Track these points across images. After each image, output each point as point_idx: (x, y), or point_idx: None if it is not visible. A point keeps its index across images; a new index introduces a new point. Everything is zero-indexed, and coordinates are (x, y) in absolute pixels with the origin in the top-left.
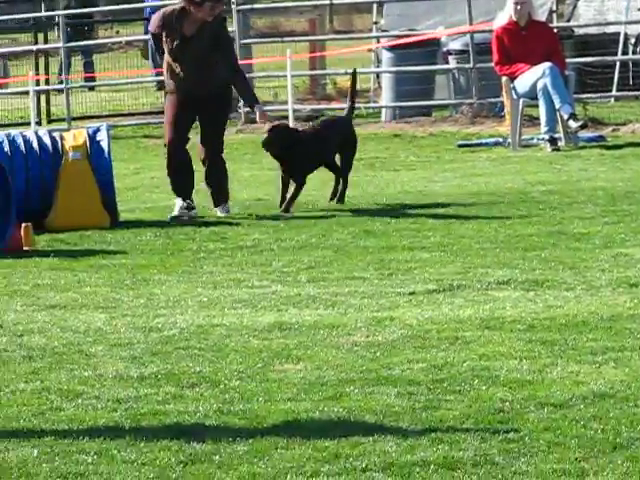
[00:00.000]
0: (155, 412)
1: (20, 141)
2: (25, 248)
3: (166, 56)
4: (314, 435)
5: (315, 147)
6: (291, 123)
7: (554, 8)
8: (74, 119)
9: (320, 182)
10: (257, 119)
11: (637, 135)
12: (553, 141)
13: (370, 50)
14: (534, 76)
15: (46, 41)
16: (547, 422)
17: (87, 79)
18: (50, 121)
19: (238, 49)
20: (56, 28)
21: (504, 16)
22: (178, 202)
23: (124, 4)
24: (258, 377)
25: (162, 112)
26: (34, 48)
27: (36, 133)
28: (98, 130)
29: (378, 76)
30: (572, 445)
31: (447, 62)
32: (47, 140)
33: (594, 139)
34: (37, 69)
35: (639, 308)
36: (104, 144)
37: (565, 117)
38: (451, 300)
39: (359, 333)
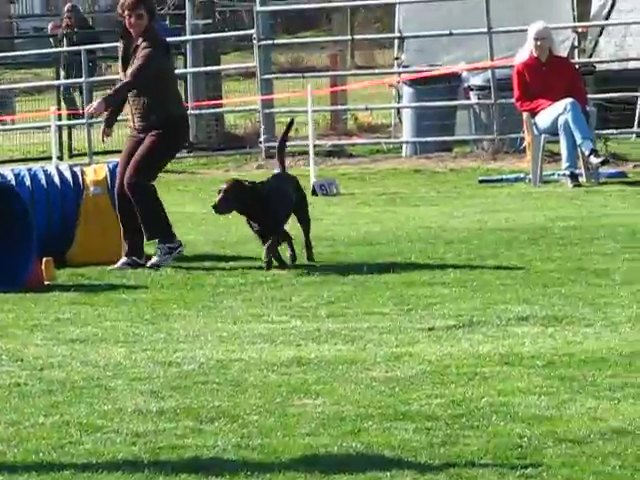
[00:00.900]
0: (174, 446)
1: (41, 175)
2: (46, 282)
3: None
4: (332, 470)
5: (278, 197)
6: (312, 159)
7: (575, 44)
8: (95, 154)
9: (338, 218)
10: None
11: None
12: (574, 177)
13: (391, 85)
14: (555, 112)
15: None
16: (565, 458)
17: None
18: (72, 156)
19: (259, 84)
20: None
21: (525, 52)
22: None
23: None
24: (277, 412)
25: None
26: (56, 83)
27: (57, 167)
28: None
29: (399, 111)
30: None
31: (468, 98)
32: (68, 175)
33: (615, 175)
34: (59, 104)
35: None
36: None
37: (586, 153)
38: (470, 336)
39: (378, 368)
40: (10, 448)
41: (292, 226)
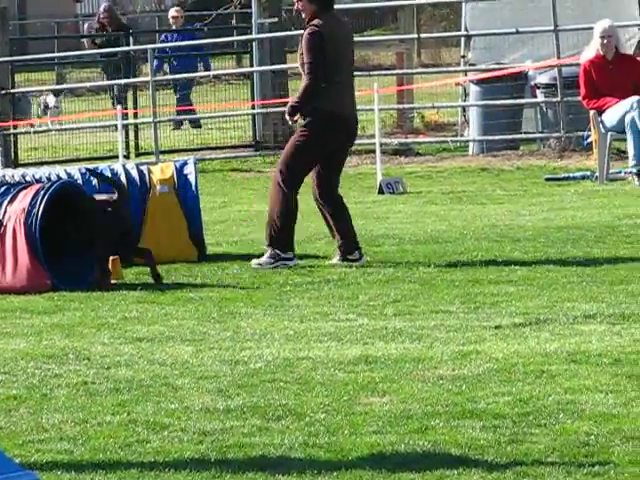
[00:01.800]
0: (241, 444)
1: (108, 174)
2: (113, 281)
3: None
4: (399, 468)
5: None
6: (378, 157)
7: None
8: (162, 152)
9: (405, 216)
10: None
11: None
12: None
13: (458, 84)
14: (622, 110)
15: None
16: (632, 456)
17: (179, 112)
18: (138, 154)
19: None
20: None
21: (591, 50)
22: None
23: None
24: (343, 410)
25: (250, 145)
26: (122, 82)
27: (124, 166)
28: (185, 163)
29: (464, 109)
30: None
31: (535, 96)
32: (135, 173)
33: None
34: (125, 102)
35: None
36: (191, 177)
37: None
38: (537, 334)
39: (445, 366)
40: (77, 446)
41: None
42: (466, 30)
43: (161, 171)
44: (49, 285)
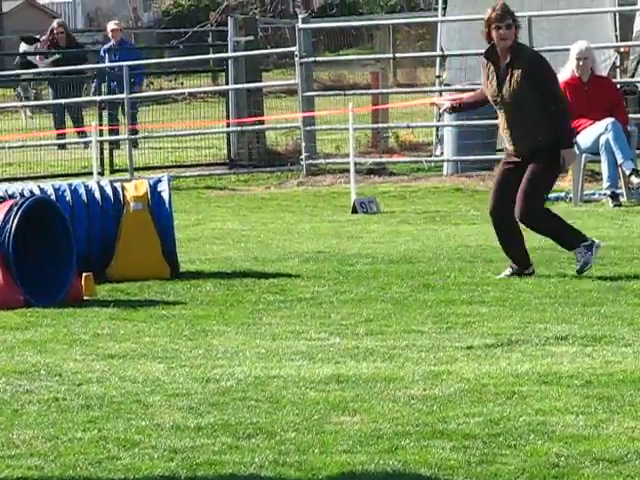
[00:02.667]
0: (211, 462)
1: (82, 191)
2: (85, 297)
3: None
4: None
5: None
6: (352, 176)
7: (617, 63)
8: (136, 170)
9: (378, 235)
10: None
11: None
12: (615, 197)
13: (433, 104)
14: (596, 131)
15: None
16: (602, 477)
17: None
18: (113, 171)
19: (300, 101)
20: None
21: (566, 71)
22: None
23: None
24: (314, 429)
25: (224, 163)
26: (98, 99)
27: (98, 183)
28: (159, 181)
29: (437, 129)
30: None
31: None
32: (109, 190)
33: None
34: (100, 119)
35: None
36: (165, 195)
37: (627, 173)
38: (509, 355)
39: (416, 386)
40: (48, 462)
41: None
42: (441, 50)
43: (135, 188)
44: (22, 301)
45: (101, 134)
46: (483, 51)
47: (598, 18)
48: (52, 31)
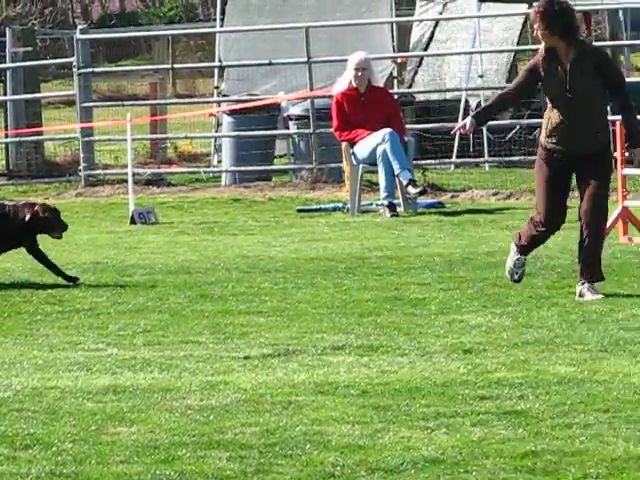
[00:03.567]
0: None
1: None
2: None
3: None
4: None
5: None
6: (130, 187)
7: (394, 74)
8: None
9: (157, 246)
10: None
11: (476, 202)
12: (392, 207)
13: (211, 114)
14: (374, 142)
15: None
16: None
17: None
18: None
19: (79, 112)
20: None
21: (343, 81)
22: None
23: None
24: (91, 440)
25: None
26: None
27: None
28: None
29: (216, 140)
30: None
31: (287, 127)
32: None
33: (433, 205)
34: None
35: (472, 374)
36: None
37: (404, 183)
38: (285, 365)
39: (193, 397)
40: None
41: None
42: (220, 61)
43: None
44: None
45: None
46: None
47: (375, 29)
48: None
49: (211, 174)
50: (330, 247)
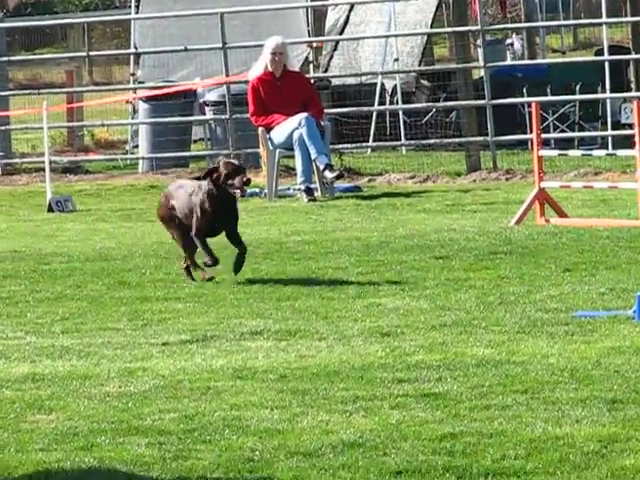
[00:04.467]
0: None
1: None
2: None
3: None
4: None
5: None
6: (48, 175)
7: (310, 59)
8: None
9: (74, 234)
10: None
11: (392, 185)
12: (309, 191)
13: (127, 101)
14: (290, 127)
15: None
16: (296, 471)
17: None
18: None
19: None
20: None
21: (259, 66)
22: None
23: None
24: (10, 428)
25: None
26: None
27: None
28: None
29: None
30: None
31: (203, 113)
32: None
33: (350, 189)
34: None
35: (390, 357)
36: None
37: (321, 167)
38: (204, 350)
39: (111, 383)
40: None
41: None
42: (135, 48)
43: None
44: None
45: None
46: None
47: (291, 13)
48: None
49: (128, 161)
50: (247, 232)
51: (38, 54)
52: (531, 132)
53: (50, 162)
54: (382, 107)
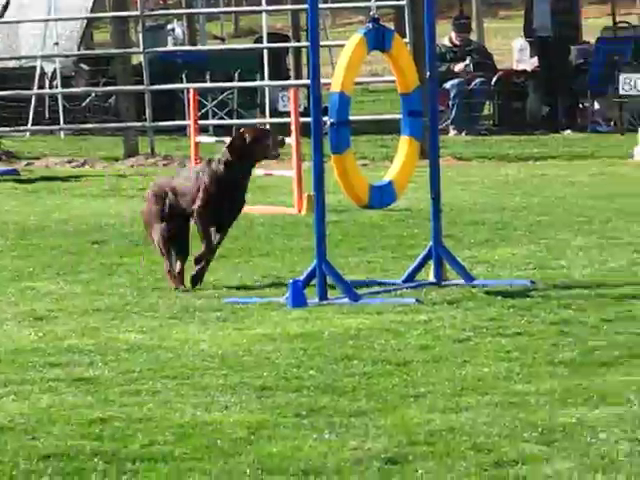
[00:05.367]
0: None
1: None
2: None
3: None
4: None
5: None
6: None
7: None
8: None
9: None
10: None
11: (50, 169)
12: None
13: None
14: None
15: None
16: None
17: None
18: None
19: None
20: None
21: None
22: None
23: None
24: None
25: None
26: None
27: None
28: None
29: None
30: None
31: None
32: None
33: (7, 173)
34: None
35: (43, 341)
36: None
37: None
38: None
39: None
40: None
41: None
42: None
43: None
44: None
45: None
46: None
47: None
48: None
49: None
50: None
51: None
52: (189, 118)
53: None
54: (41, 91)
